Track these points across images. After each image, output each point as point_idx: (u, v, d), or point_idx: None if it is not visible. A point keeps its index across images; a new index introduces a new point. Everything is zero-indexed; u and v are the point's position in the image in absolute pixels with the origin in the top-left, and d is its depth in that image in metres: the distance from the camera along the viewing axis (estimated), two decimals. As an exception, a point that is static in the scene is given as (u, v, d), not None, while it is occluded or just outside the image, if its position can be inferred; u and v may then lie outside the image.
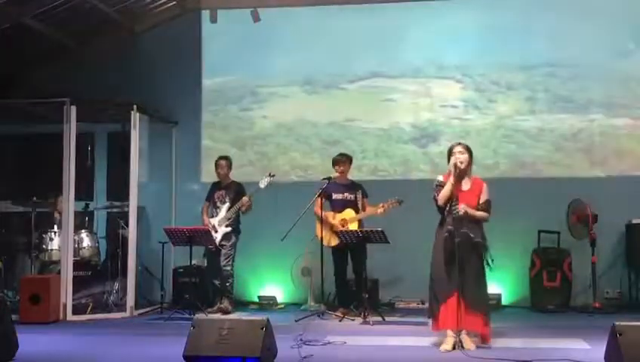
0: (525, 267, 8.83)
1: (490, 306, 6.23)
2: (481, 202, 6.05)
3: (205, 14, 9.93)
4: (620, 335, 4.91)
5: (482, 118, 9.44)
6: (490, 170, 8.92)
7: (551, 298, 8.64)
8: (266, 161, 9.66)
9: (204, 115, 9.87)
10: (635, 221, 8.64)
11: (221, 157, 8.64)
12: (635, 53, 9.16)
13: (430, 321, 6.14)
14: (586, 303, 8.63)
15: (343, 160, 8.38)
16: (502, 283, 8.67)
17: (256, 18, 9.70)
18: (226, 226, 8.34)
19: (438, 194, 6.00)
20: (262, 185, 8.21)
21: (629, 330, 4.94)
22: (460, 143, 6.14)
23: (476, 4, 9.42)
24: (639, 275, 8.68)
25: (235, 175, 8.68)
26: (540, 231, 8.84)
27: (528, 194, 8.83)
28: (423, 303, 8.58)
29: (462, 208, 5.91)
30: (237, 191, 8.47)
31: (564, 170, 9.24)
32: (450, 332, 5.96)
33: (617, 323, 5.02)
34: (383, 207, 7.98)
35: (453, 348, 5.89)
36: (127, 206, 8.56)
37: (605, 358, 5.17)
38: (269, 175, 8.26)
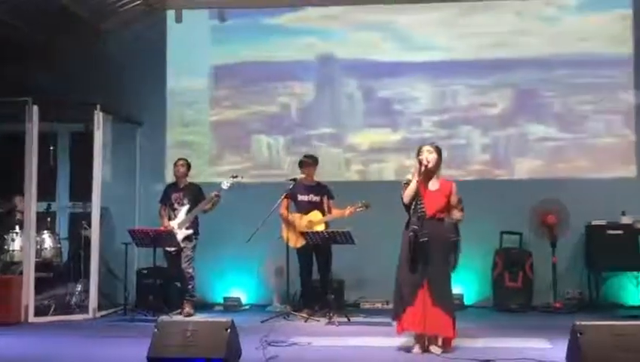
0: (488, 267, 8.94)
1: (455, 307, 6.27)
2: (455, 203, 6.10)
3: (171, 14, 9.87)
4: (581, 334, 5.00)
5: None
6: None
7: (513, 298, 8.76)
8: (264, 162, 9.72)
9: (168, 115, 9.81)
10: (594, 222, 8.79)
11: (180, 159, 8.63)
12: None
13: (394, 322, 6.13)
14: (547, 303, 8.76)
15: (309, 162, 8.40)
16: (464, 284, 8.76)
17: (221, 18, 9.67)
18: (187, 229, 8.29)
19: (404, 192, 6.05)
20: (225, 186, 8.18)
21: (589, 330, 5.03)
22: (429, 143, 6.19)
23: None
24: (599, 275, 8.83)
25: (199, 177, 8.64)
26: (502, 233, 8.95)
27: (491, 196, 8.92)
28: (387, 303, 8.62)
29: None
30: (195, 193, 8.42)
31: (526, 173, 9.36)
32: (416, 335, 5.99)
33: (578, 322, 5.11)
34: (349, 210, 8.01)
35: (423, 350, 5.93)
36: (90, 206, 8.48)
37: (566, 357, 5.25)
38: (233, 176, 8.24)
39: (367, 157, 9.55)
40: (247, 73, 9.77)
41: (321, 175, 8.49)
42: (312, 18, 9.77)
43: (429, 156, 6.02)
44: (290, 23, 9.78)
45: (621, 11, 9.32)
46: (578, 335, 5.01)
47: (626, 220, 8.50)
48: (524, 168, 9.40)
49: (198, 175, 9.12)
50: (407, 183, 6.04)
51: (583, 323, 5.11)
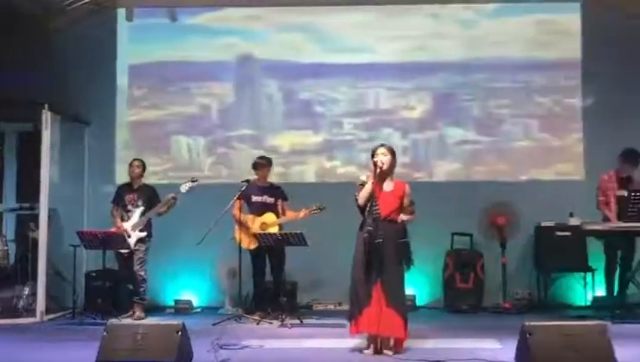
0: (439, 268, 9.02)
1: (407, 309, 6.31)
2: (407, 204, 6.13)
3: (121, 12, 9.73)
4: (530, 334, 5.07)
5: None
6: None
7: (464, 299, 8.85)
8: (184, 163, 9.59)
9: (118, 115, 9.67)
10: (543, 224, 8.95)
11: (136, 159, 8.51)
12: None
13: (349, 324, 6.12)
14: (497, 303, 8.88)
15: (263, 163, 8.37)
16: (416, 285, 8.81)
17: (173, 17, 9.58)
18: (140, 231, 8.19)
19: (359, 194, 6.05)
20: (183, 189, 8.10)
21: (538, 330, 5.11)
22: (383, 145, 6.21)
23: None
24: (547, 276, 8.98)
25: (151, 178, 8.54)
26: (453, 234, 9.05)
27: (442, 198, 9.00)
28: (340, 305, 8.66)
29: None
30: (149, 195, 8.32)
31: (445, 175, 9.48)
32: (369, 336, 6.01)
33: (527, 323, 5.19)
34: (304, 212, 8.01)
35: (375, 351, 5.95)
36: (38, 208, 8.33)
37: (516, 357, 5.32)
38: (192, 180, 8.16)
39: (288, 159, 9.47)
40: (165, 73, 9.67)
41: (242, 176, 8.43)
42: (233, 18, 9.69)
43: (383, 158, 6.05)
44: (210, 22, 9.70)
45: (538, 16, 9.46)
46: (527, 335, 5.08)
47: (574, 221, 8.65)
48: (443, 171, 9.51)
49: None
50: (362, 185, 6.06)
51: (532, 323, 5.18)
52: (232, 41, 9.67)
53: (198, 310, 9.08)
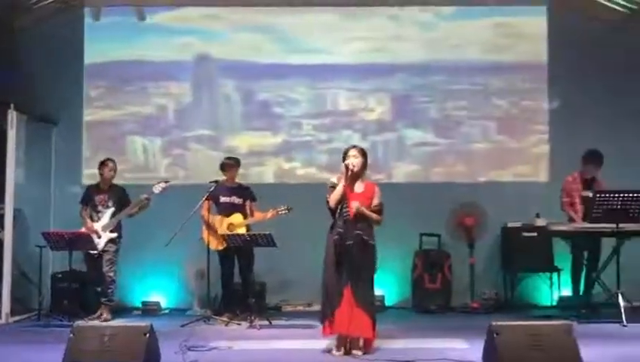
0: (408, 269, 9.06)
1: (376, 309, 6.33)
2: (374, 205, 6.14)
3: (88, 12, 9.63)
4: (497, 334, 5.12)
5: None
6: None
7: (432, 299, 8.90)
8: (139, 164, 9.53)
9: (85, 115, 9.57)
10: (510, 224, 9.04)
11: (108, 159, 8.40)
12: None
13: (322, 325, 6.12)
14: (465, 303, 8.95)
15: (231, 163, 8.33)
16: (385, 285, 8.85)
17: (141, 16, 9.51)
18: (111, 232, 8.12)
19: (330, 196, 6.06)
20: (156, 190, 8.03)
21: (505, 330, 5.15)
22: (354, 146, 6.23)
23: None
24: (514, 276, 9.07)
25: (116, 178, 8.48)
26: (421, 234, 9.10)
27: (405, 199, 9.01)
28: (310, 306, 8.67)
29: (354, 206, 5.97)
30: (120, 195, 8.25)
31: (404, 177, 9.52)
32: (339, 336, 6.02)
33: (494, 323, 5.23)
34: (271, 213, 7.99)
35: (345, 352, 5.95)
36: (3, 208, 8.22)
37: (483, 357, 5.37)
38: (165, 181, 8.10)
39: (247, 161, 9.12)
40: (121, 72, 9.58)
41: (201, 177, 8.35)
42: (192, 18, 9.63)
43: (354, 161, 6.06)
44: (168, 21, 9.62)
45: (497, 19, 9.55)
46: (494, 335, 5.12)
47: (540, 222, 8.75)
48: (402, 172, 9.55)
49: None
50: (333, 187, 6.07)
51: (499, 323, 5.22)
52: (189, 41, 9.58)
53: (166, 311, 9.02)
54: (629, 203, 7.41)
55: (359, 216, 6.01)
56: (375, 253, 6.12)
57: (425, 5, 9.64)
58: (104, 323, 7.31)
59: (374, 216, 6.10)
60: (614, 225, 7.48)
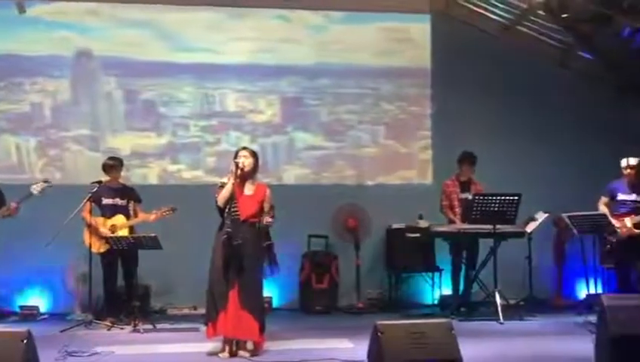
0: (296, 270, 9.12)
1: (264, 311, 6.34)
2: (267, 209, 6.13)
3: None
4: (382, 333, 5.21)
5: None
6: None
7: (319, 299, 9.00)
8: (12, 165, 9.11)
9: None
10: (394, 226, 9.26)
11: None
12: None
13: (205, 327, 6.09)
14: (352, 304, 9.10)
15: (114, 164, 8.12)
16: (273, 287, 8.87)
17: (21, 9, 9.09)
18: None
19: (218, 195, 6.01)
20: (34, 191, 7.64)
21: (389, 329, 5.25)
22: (245, 148, 6.23)
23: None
24: (398, 276, 9.29)
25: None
26: (309, 236, 9.18)
27: (294, 201, 9.04)
28: (195, 309, 8.57)
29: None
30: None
31: (294, 180, 9.57)
32: (226, 339, 5.99)
33: (378, 322, 5.34)
34: (155, 214, 7.87)
35: (231, 354, 5.93)
36: None
37: (368, 356, 5.46)
38: (45, 181, 7.75)
39: (130, 162, 8.88)
40: None
41: (79, 178, 8.12)
42: (70, 12, 9.23)
43: (245, 161, 6.05)
44: (45, 15, 9.19)
45: (387, 24, 9.74)
46: (378, 334, 5.21)
47: (423, 224, 9.01)
48: (292, 175, 9.59)
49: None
50: (222, 186, 6.03)
51: (383, 322, 5.32)
52: (69, 36, 9.20)
53: (46, 316, 8.69)
54: (505, 206, 7.73)
55: (249, 219, 6.00)
56: (272, 252, 6.15)
57: (316, 10, 9.65)
58: (-22, 330, 6.98)
59: (270, 221, 6.11)
60: (492, 227, 7.80)
